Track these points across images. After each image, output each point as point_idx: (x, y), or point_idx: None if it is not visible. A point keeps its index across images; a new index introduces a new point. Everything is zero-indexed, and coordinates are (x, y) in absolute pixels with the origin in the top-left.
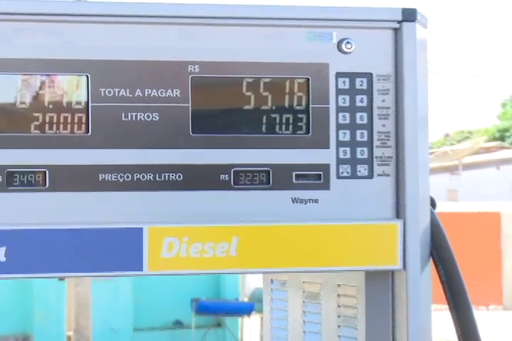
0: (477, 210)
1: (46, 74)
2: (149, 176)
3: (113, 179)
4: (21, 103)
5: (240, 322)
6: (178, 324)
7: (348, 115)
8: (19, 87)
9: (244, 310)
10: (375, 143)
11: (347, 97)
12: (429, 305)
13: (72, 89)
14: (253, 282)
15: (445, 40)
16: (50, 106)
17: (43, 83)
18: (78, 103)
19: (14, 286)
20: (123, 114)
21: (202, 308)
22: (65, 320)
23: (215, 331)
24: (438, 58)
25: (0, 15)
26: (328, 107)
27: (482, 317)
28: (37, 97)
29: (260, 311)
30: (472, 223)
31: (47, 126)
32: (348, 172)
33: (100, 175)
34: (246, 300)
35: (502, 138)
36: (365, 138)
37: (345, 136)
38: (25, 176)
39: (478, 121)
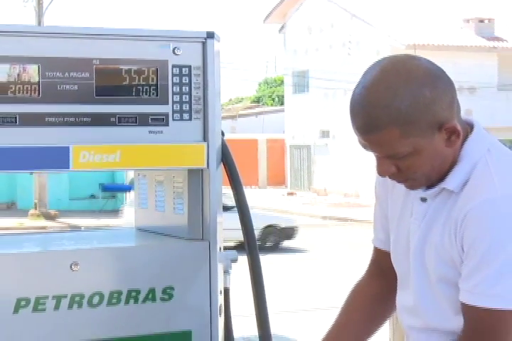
0: (245, 138)
1: (21, 64)
2: (73, 118)
3: (53, 120)
4: (8, 80)
5: (125, 195)
6: (92, 196)
7: (178, 87)
8: (8, 71)
9: (127, 189)
10: (193, 102)
11: (178, 78)
12: (220, 185)
13: (31, 73)
14: (131, 174)
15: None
16: (19, 81)
17: (20, 69)
18: (34, 79)
19: (5, 175)
20: (58, 86)
21: (105, 188)
22: (33, 194)
23: (112, 200)
24: (228, 58)
25: None
26: (167, 83)
27: (247, 192)
28: (15, 77)
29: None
30: (243, 145)
31: (17, 91)
32: (178, 117)
33: (46, 118)
34: (128, 183)
35: (258, 101)
36: (187, 100)
37: (176, 98)
38: (5, 118)
39: (246, 91)
